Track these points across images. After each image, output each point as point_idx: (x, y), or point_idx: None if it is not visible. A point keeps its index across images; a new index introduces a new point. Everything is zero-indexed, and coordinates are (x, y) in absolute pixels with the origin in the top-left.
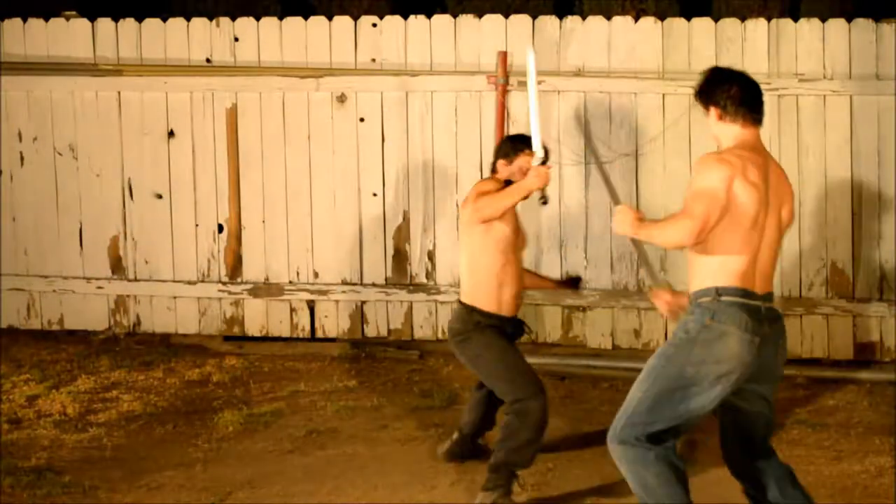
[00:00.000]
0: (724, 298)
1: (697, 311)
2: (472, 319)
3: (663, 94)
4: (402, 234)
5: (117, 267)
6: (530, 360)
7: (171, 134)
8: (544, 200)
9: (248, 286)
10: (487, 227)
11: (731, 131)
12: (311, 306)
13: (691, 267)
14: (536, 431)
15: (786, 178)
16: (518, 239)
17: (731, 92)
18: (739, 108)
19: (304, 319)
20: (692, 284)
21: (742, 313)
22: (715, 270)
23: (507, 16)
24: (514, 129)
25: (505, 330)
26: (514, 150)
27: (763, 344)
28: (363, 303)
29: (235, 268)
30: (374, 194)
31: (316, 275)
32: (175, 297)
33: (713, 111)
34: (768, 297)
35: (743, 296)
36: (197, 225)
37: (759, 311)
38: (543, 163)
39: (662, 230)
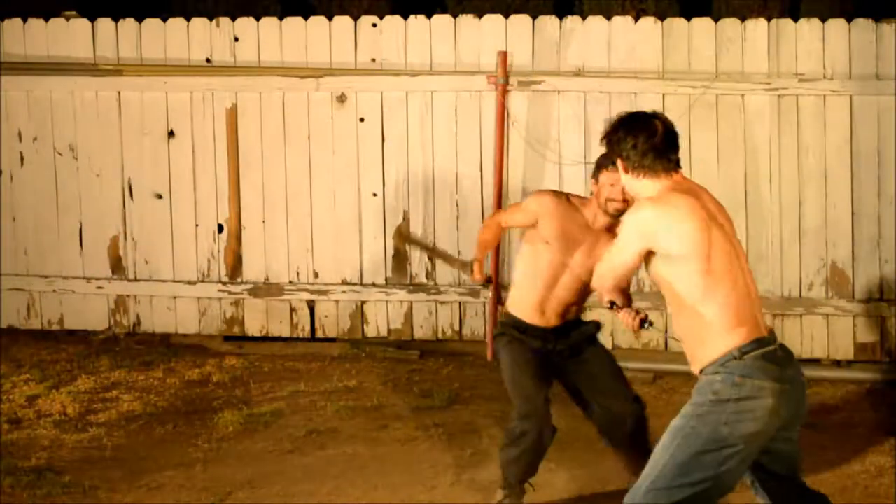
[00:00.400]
0: (748, 356)
1: (724, 370)
2: (500, 321)
3: (663, 94)
4: (402, 234)
5: (117, 267)
6: None
7: (171, 134)
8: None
9: (248, 286)
10: (526, 234)
11: (645, 185)
12: (311, 306)
13: (692, 336)
14: (519, 452)
15: (704, 189)
16: (569, 253)
17: (636, 144)
18: (646, 163)
19: (304, 319)
20: (702, 355)
21: (769, 364)
22: (722, 332)
23: (507, 16)
24: (514, 129)
25: (526, 340)
26: (597, 168)
27: (791, 388)
28: (363, 303)
29: (235, 268)
30: (374, 194)
31: (316, 275)
32: (175, 297)
33: (621, 165)
34: (774, 335)
35: (760, 346)
36: (197, 225)
37: (777, 355)
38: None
39: (603, 275)
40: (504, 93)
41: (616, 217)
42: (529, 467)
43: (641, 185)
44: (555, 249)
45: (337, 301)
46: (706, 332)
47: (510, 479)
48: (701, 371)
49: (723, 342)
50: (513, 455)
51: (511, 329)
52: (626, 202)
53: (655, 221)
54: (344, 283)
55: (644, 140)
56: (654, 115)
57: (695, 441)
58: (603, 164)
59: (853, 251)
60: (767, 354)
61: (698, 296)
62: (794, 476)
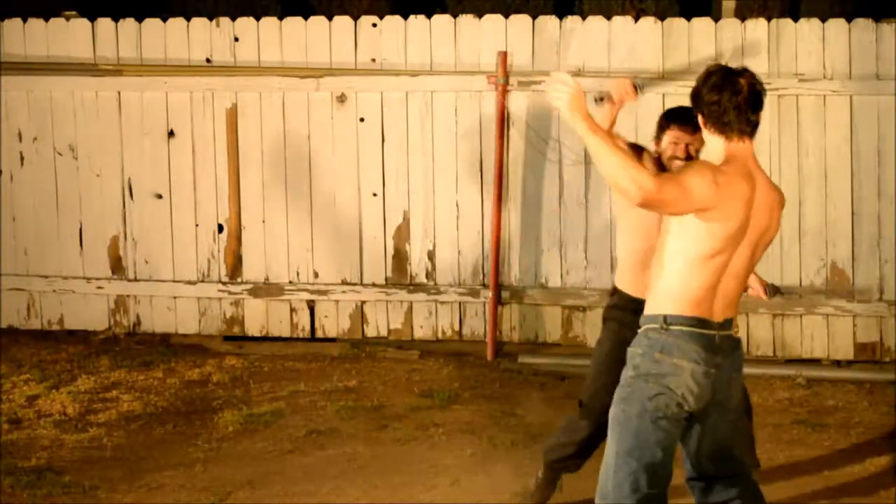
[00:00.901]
0: (673, 328)
1: (645, 342)
2: (611, 301)
3: (663, 94)
4: (402, 234)
5: (117, 267)
6: (530, 360)
7: (171, 134)
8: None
9: (248, 286)
10: (626, 210)
11: (717, 143)
12: (311, 306)
13: (649, 288)
14: (567, 441)
15: (774, 191)
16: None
17: (719, 101)
18: (725, 120)
19: (304, 319)
20: (647, 306)
21: (692, 344)
22: (667, 295)
23: (507, 16)
24: (514, 129)
25: (628, 320)
26: (659, 128)
27: (718, 375)
28: (363, 303)
29: (235, 268)
30: (374, 194)
31: (316, 275)
32: (175, 297)
33: (700, 119)
34: (726, 324)
35: (694, 325)
36: (197, 225)
37: (713, 341)
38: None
39: (614, 159)
40: (504, 93)
41: None
42: (569, 459)
43: (712, 141)
44: (640, 236)
45: (337, 301)
46: (660, 282)
47: (546, 460)
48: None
49: (663, 303)
50: (562, 440)
51: (619, 307)
52: (691, 158)
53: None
54: (344, 283)
55: (727, 98)
56: (742, 73)
57: (629, 423)
58: (665, 124)
59: (853, 251)
60: (697, 335)
61: (679, 259)
62: (728, 465)
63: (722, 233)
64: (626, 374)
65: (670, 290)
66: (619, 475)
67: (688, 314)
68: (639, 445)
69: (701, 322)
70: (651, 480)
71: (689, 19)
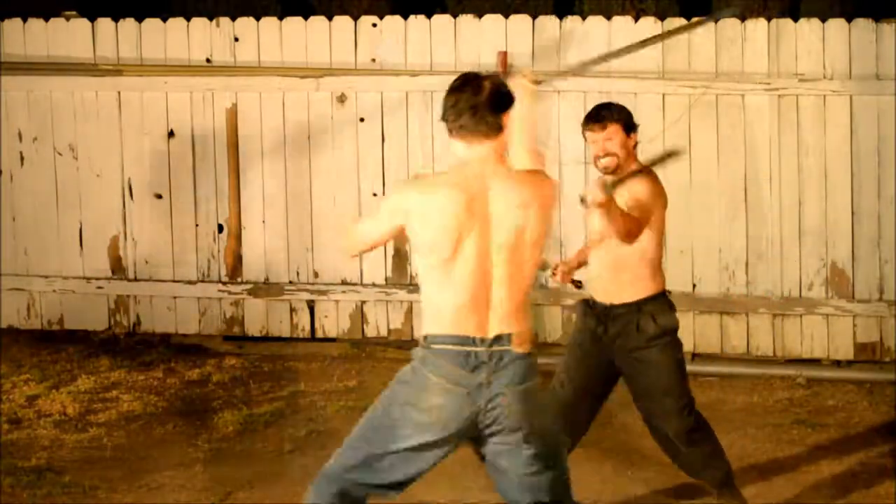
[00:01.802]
0: (431, 347)
1: (414, 355)
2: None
3: (663, 94)
4: (402, 233)
5: (117, 267)
6: None
7: (171, 134)
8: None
9: (248, 286)
10: None
11: (457, 147)
12: (311, 306)
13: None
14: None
15: (529, 187)
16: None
17: (456, 104)
18: (461, 123)
19: (304, 319)
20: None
21: (445, 362)
22: (428, 314)
23: (507, 16)
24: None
25: (585, 319)
26: (582, 130)
27: (480, 393)
28: (363, 303)
29: (235, 268)
30: (374, 194)
31: (316, 275)
32: (175, 297)
33: (446, 126)
34: (499, 339)
35: (452, 342)
36: (197, 225)
37: (472, 358)
38: None
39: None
40: None
41: (610, 174)
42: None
43: (456, 148)
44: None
45: (337, 301)
46: (424, 305)
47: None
48: None
49: (426, 322)
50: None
51: (580, 303)
52: (615, 155)
53: (407, 202)
54: (344, 283)
55: (465, 99)
56: (489, 77)
57: (374, 416)
58: (583, 125)
59: (853, 251)
60: (454, 353)
61: (422, 276)
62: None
63: (426, 236)
64: (395, 379)
65: (428, 309)
66: (343, 456)
67: (446, 332)
68: (366, 438)
69: (460, 339)
70: (364, 477)
71: (688, 19)
